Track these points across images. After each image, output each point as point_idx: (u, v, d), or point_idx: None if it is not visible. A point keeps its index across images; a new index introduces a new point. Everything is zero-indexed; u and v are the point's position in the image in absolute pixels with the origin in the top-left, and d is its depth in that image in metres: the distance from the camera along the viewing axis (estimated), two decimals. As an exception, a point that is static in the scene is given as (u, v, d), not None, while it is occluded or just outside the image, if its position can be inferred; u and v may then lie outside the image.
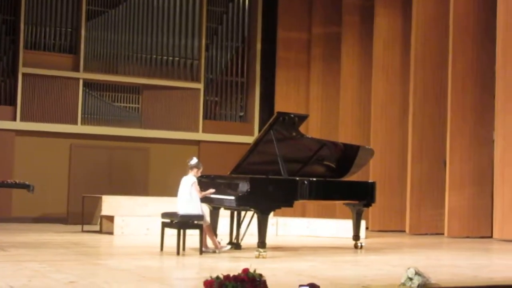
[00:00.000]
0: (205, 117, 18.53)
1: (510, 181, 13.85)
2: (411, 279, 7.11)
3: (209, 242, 10.78)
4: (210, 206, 11.36)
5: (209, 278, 6.38)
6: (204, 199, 10.77)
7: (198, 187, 10.53)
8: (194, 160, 10.72)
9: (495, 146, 14.48)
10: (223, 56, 18.99)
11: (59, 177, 16.90)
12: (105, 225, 14.11)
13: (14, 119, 16.59)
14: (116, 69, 17.67)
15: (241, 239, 11.33)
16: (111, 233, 13.67)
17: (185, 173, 10.72)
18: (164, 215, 10.69)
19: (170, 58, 18.17)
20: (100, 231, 14.14)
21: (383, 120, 16.93)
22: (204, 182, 11.00)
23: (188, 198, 10.45)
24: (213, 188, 10.79)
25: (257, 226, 10.19)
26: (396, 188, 16.59)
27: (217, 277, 6.35)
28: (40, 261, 9.00)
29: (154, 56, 18.03)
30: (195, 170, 10.63)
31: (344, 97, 18.10)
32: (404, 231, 15.92)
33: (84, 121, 17.25)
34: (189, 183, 10.49)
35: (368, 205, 11.93)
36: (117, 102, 17.76)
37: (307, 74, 19.25)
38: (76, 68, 17.23)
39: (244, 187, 10.22)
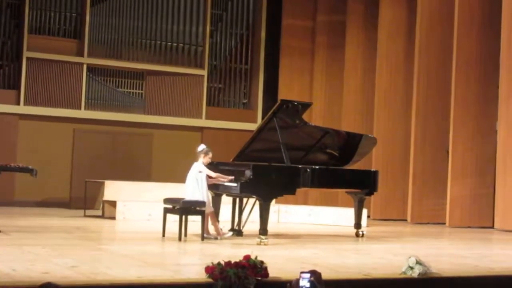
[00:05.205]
0: (208, 103, 18.52)
1: (512, 172, 13.88)
2: (412, 268, 7.14)
3: (211, 228, 10.81)
4: (212, 193, 11.38)
5: (211, 264, 6.41)
6: (209, 186, 10.75)
7: (208, 171, 10.50)
8: (201, 147, 10.75)
9: (497, 136, 14.48)
10: (227, 43, 18.96)
11: (62, 161, 16.93)
12: (107, 210, 14.13)
13: (18, 103, 16.61)
14: (120, 54, 17.66)
15: (243, 226, 11.34)
16: (113, 218, 13.70)
17: (188, 159, 10.73)
18: (166, 201, 10.71)
19: (175, 44, 18.14)
20: (102, 216, 14.15)
21: (386, 109, 16.91)
22: (207, 168, 11.00)
23: (194, 184, 10.46)
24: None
25: (259, 213, 10.22)
26: (398, 177, 16.59)
27: (219, 263, 6.38)
28: (42, 245, 9.03)
29: (159, 42, 18.00)
30: (202, 156, 10.63)
31: (348, 86, 18.08)
32: (406, 220, 15.93)
33: (88, 106, 17.26)
34: (196, 170, 10.51)
35: (370, 193, 11.93)
36: (121, 87, 17.76)
37: (311, 62, 19.20)
38: (80, 53, 17.23)
39: (247, 174, 10.24)
